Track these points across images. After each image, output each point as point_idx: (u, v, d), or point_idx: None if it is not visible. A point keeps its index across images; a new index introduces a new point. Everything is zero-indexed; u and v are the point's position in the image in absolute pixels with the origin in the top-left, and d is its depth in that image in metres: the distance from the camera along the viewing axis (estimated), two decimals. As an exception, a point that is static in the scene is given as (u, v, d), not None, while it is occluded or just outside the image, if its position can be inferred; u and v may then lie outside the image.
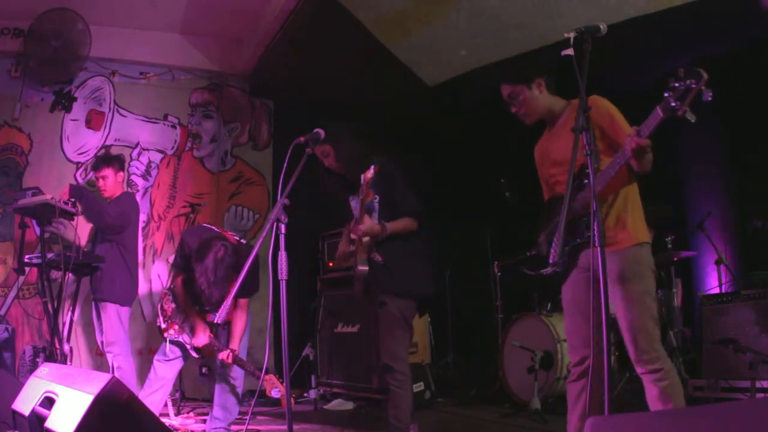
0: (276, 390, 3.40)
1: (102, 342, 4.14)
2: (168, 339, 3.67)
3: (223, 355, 3.51)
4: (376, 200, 3.00)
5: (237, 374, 3.69)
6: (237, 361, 3.56)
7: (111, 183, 4.25)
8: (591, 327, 2.37)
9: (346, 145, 3.03)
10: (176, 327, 3.69)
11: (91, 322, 4.32)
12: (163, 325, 3.71)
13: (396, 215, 2.99)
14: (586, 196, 2.29)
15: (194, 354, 3.67)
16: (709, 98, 1.91)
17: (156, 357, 3.73)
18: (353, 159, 3.00)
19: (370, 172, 2.80)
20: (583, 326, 2.44)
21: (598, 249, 1.97)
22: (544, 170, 2.74)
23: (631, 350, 2.37)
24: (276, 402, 4.35)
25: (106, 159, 4.37)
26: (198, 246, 3.44)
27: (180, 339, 3.67)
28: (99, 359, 5.02)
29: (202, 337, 3.58)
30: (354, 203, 3.10)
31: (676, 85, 1.97)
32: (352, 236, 2.98)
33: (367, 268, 2.90)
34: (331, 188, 3.19)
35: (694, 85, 1.93)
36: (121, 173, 4.33)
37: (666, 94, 2.00)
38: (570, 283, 2.55)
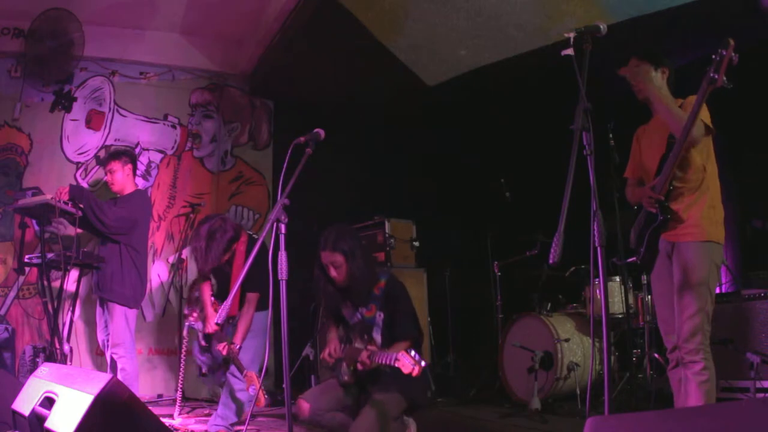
0: (252, 388, 3.35)
1: (104, 340, 4.14)
2: (188, 325, 3.76)
3: (220, 346, 3.50)
4: (380, 317, 2.89)
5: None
6: (230, 354, 3.53)
7: (119, 177, 4.21)
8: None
9: (359, 261, 2.89)
10: (195, 315, 3.75)
11: (91, 321, 4.32)
12: (186, 311, 3.78)
13: (394, 337, 2.86)
14: (662, 181, 2.55)
15: (203, 342, 3.70)
16: (736, 61, 2.21)
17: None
18: (363, 274, 2.89)
19: (380, 286, 2.85)
20: (670, 316, 2.64)
21: (599, 249, 1.98)
22: (634, 158, 2.97)
23: (677, 337, 2.55)
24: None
25: (114, 153, 4.36)
26: (200, 221, 3.56)
27: (195, 326, 3.71)
28: (99, 359, 5.02)
29: (210, 326, 3.58)
30: (347, 312, 2.99)
31: (714, 56, 2.22)
32: (360, 367, 2.78)
33: (352, 381, 2.84)
34: (327, 297, 3.03)
35: (724, 53, 2.19)
36: (129, 166, 4.28)
37: (708, 68, 2.26)
38: (656, 273, 2.77)
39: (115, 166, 4.21)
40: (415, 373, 2.43)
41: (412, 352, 2.46)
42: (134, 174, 4.35)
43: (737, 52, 2.22)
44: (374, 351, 2.68)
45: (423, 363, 2.43)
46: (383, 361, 2.58)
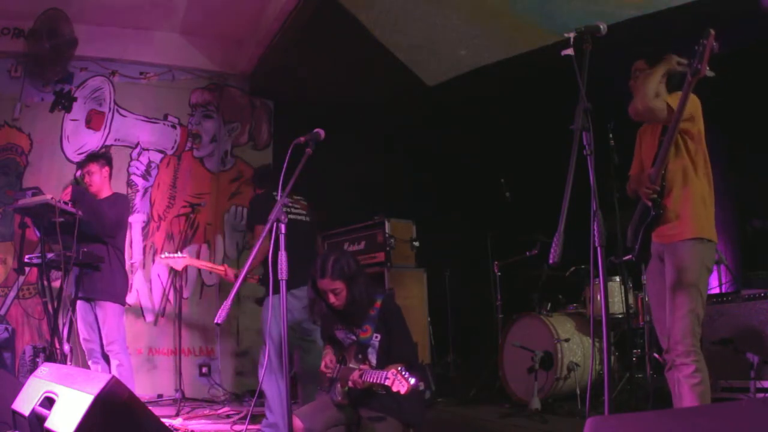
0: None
1: (85, 339, 4.10)
2: None
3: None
4: (377, 338, 2.83)
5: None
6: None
7: (97, 179, 4.26)
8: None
9: (360, 286, 2.82)
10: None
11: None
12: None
13: (389, 359, 2.78)
14: (657, 171, 2.57)
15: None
16: (717, 50, 2.26)
17: None
18: (362, 297, 2.82)
19: (376, 307, 2.79)
20: (664, 317, 2.63)
21: (599, 249, 1.98)
22: (637, 156, 2.98)
23: (668, 338, 2.54)
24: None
25: (92, 156, 4.42)
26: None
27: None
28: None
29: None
30: (341, 334, 2.94)
31: (696, 47, 2.27)
32: (352, 385, 2.70)
33: (346, 402, 2.77)
34: (322, 320, 2.98)
35: (705, 42, 2.25)
36: (107, 168, 4.32)
37: (692, 59, 2.31)
38: (649, 273, 2.81)
39: (94, 168, 4.26)
40: (403, 391, 2.39)
41: (403, 371, 2.43)
42: (110, 177, 4.38)
43: (735, 51, 2.23)
44: (366, 370, 2.64)
45: (413, 381, 2.39)
46: (374, 380, 2.53)
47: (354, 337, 2.86)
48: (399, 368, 2.44)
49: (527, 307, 4.87)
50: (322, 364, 2.91)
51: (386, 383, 2.43)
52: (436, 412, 4.58)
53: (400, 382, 2.39)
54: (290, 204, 3.67)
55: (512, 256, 5.15)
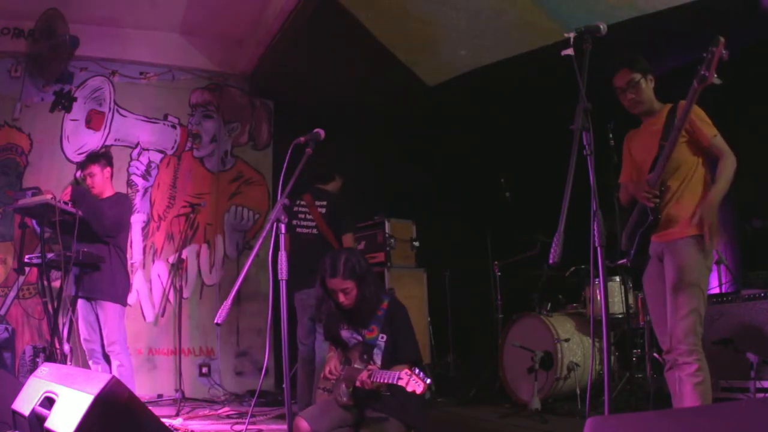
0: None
1: (85, 339, 4.10)
2: None
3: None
4: (383, 339, 2.81)
5: None
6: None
7: (99, 180, 4.25)
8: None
9: (369, 285, 2.81)
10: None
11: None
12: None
13: (394, 359, 2.76)
14: (655, 177, 2.56)
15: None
16: (726, 57, 2.23)
17: None
18: (371, 297, 2.82)
19: (383, 307, 2.79)
20: (664, 318, 2.63)
21: (599, 249, 1.98)
22: (626, 163, 2.97)
23: (670, 338, 2.53)
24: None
25: (92, 156, 4.39)
26: None
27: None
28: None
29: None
30: (346, 333, 2.92)
31: (704, 54, 2.24)
32: (359, 385, 2.67)
33: (351, 403, 2.74)
34: (328, 318, 2.95)
35: (714, 50, 2.21)
36: (108, 168, 4.30)
37: (699, 66, 2.28)
38: (647, 275, 2.78)
39: (95, 169, 4.24)
40: (419, 390, 2.37)
41: (416, 370, 2.42)
42: (112, 177, 4.37)
43: (735, 51, 2.22)
44: (374, 370, 2.63)
45: (428, 380, 2.38)
46: (384, 380, 2.51)
47: (360, 338, 2.85)
48: (412, 368, 2.43)
49: (527, 307, 4.87)
50: (326, 369, 2.88)
51: (400, 383, 2.42)
52: (436, 412, 4.58)
53: (416, 381, 2.38)
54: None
55: (512, 256, 5.15)
